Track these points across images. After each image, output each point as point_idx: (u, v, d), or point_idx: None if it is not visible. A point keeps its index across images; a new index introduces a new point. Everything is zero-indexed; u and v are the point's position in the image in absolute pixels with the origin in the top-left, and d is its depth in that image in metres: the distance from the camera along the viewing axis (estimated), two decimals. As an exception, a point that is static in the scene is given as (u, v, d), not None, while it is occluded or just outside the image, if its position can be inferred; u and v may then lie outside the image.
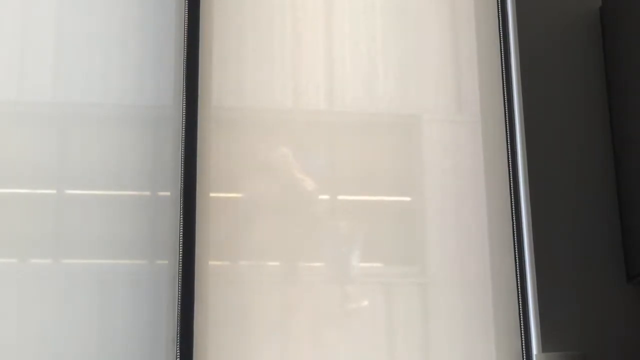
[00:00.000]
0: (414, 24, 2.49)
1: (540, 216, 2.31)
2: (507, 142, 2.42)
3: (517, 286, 2.31)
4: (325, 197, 2.31)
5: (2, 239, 2.15)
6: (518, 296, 2.30)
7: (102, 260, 2.17)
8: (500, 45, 2.49)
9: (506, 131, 2.42)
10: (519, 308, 2.29)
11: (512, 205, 2.37)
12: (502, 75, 2.47)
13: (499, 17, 2.51)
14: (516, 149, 2.39)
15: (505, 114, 2.44)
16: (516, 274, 2.32)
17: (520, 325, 2.28)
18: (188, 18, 2.35)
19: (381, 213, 2.33)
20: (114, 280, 2.17)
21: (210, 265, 2.21)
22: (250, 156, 2.31)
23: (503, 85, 2.46)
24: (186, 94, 2.30)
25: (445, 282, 2.30)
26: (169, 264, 2.19)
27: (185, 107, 2.29)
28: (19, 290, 2.12)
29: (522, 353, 2.26)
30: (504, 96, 2.45)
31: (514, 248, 2.34)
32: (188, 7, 2.36)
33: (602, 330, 2.24)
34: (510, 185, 2.38)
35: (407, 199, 2.36)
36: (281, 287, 2.24)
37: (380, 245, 2.30)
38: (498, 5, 2.52)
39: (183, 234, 2.20)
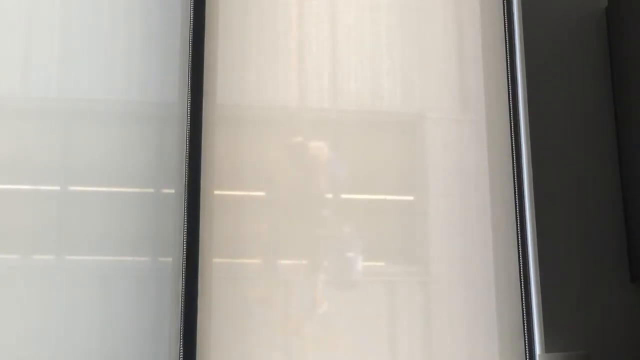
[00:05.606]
0: (418, 23, 2.49)
1: (544, 215, 2.31)
2: (511, 142, 2.42)
3: (521, 286, 2.31)
4: (329, 195, 2.31)
5: (5, 234, 2.15)
6: (521, 296, 2.30)
7: (105, 257, 2.17)
8: (506, 44, 2.49)
9: (511, 130, 2.42)
10: (522, 308, 2.29)
11: (516, 205, 2.37)
12: (507, 74, 2.46)
13: (504, 16, 2.51)
14: (521, 148, 2.39)
15: (510, 113, 2.44)
16: (519, 274, 2.32)
17: (524, 325, 2.28)
18: (194, 15, 2.35)
19: (384, 212, 2.33)
20: (118, 277, 2.16)
21: (214, 262, 2.21)
22: (254, 154, 2.31)
23: (508, 85, 2.46)
24: (191, 91, 2.30)
25: (449, 281, 2.30)
26: (172, 261, 2.19)
27: (190, 104, 2.29)
28: (22, 286, 2.12)
29: (525, 353, 2.26)
30: (508, 95, 2.45)
31: (518, 247, 2.34)
32: (194, 4, 2.36)
33: (606, 330, 2.24)
34: (514, 185, 2.38)
35: (411, 198, 2.36)
36: (285, 285, 2.23)
37: (383, 244, 2.30)
38: (504, 4, 2.52)
39: (187, 232, 2.20)
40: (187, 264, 2.18)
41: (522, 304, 2.30)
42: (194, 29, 2.35)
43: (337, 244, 2.28)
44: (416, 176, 2.37)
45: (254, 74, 2.36)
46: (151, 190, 2.24)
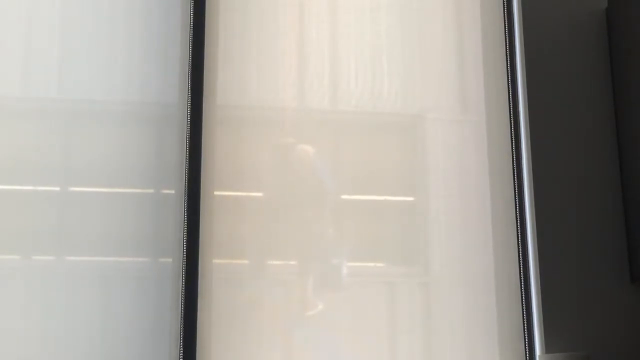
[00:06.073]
0: (419, 24, 2.49)
1: (544, 216, 2.31)
2: (511, 142, 2.42)
3: (521, 286, 2.31)
4: (328, 196, 2.31)
5: (6, 235, 2.15)
6: (521, 296, 2.30)
7: (105, 258, 2.17)
8: (506, 44, 2.49)
9: (511, 131, 2.42)
10: (523, 308, 2.29)
11: (516, 205, 2.37)
12: (507, 74, 2.46)
13: (504, 17, 2.51)
14: (521, 148, 2.39)
15: (510, 113, 2.44)
16: (520, 274, 2.32)
17: (524, 326, 2.28)
18: (194, 15, 2.35)
19: (385, 213, 2.33)
20: (118, 278, 2.16)
21: (214, 263, 2.21)
22: (254, 155, 2.31)
23: (508, 85, 2.45)
24: (191, 92, 2.30)
25: (449, 282, 2.30)
26: (172, 261, 2.19)
27: (190, 105, 2.29)
28: (22, 287, 2.12)
29: (525, 354, 2.26)
30: (508, 96, 2.45)
31: (518, 248, 2.34)
32: (194, 4, 2.36)
33: (606, 330, 2.24)
34: (514, 185, 2.38)
35: (411, 198, 2.36)
36: (285, 285, 2.24)
37: (383, 245, 2.30)
38: (504, 4, 2.52)
39: (187, 232, 2.20)
40: (187, 264, 2.18)
41: (522, 304, 2.30)
42: (194, 29, 2.35)
43: (336, 245, 2.28)
44: (416, 177, 2.37)
45: (254, 74, 2.36)
46: (151, 190, 2.24)
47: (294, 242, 2.26)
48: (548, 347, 2.21)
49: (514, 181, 2.38)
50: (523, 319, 2.28)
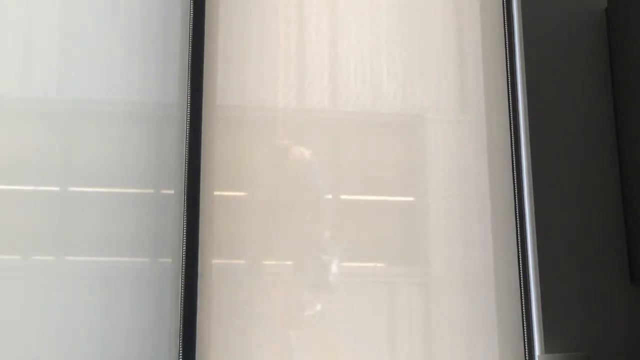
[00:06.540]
0: (418, 24, 2.49)
1: (544, 216, 2.31)
2: (511, 142, 2.41)
3: (520, 287, 2.31)
4: (328, 196, 2.31)
5: (6, 235, 2.15)
6: (521, 297, 2.30)
7: (105, 258, 2.17)
8: (506, 45, 2.49)
9: (510, 131, 2.42)
10: (522, 309, 2.29)
11: (515, 206, 2.37)
12: (507, 75, 2.46)
13: (504, 17, 2.51)
14: (520, 149, 2.39)
15: (509, 114, 2.43)
16: (519, 275, 2.32)
17: (523, 326, 2.28)
18: (193, 16, 2.35)
19: (384, 213, 2.33)
20: (118, 278, 2.17)
21: (214, 263, 2.21)
22: (254, 155, 2.31)
23: (508, 86, 2.45)
24: (191, 92, 2.30)
25: (448, 282, 2.30)
26: (172, 262, 2.19)
27: (190, 105, 2.29)
28: (23, 287, 2.12)
29: (525, 354, 2.26)
30: (508, 96, 2.45)
31: (517, 248, 2.34)
32: (194, 4, 2.36)
33: (605, 331, 2.24)
34: (514, 185, 2.38)
35: (411, 198, 2.36)
36: (284, 285, 2.24)
37: (383, 245, 2.30)
38: (503, 5, 2.52)
39: (187, 232, 2.20)
40: (186, 264, 2.18)
41: (522, 304, 2.30)
42: (194, 29, 2.35)
43: (336, 245, 2.28)
44: (416, 177, 2.37)
45: (254, 74, 2.36)
46: (151, 190, 2.24)
47: (294, 242, 2.26)
48: (548, 348, 2.21)
49: (514, 181, 2.38)
50: (523, 319, 2.28)
